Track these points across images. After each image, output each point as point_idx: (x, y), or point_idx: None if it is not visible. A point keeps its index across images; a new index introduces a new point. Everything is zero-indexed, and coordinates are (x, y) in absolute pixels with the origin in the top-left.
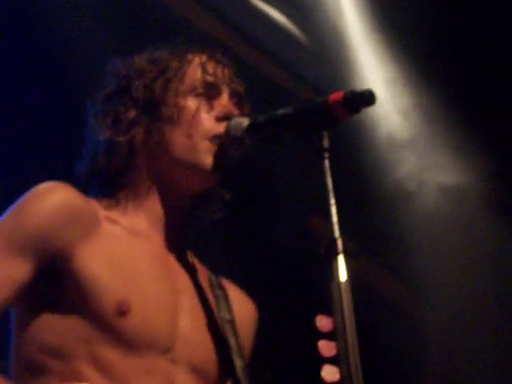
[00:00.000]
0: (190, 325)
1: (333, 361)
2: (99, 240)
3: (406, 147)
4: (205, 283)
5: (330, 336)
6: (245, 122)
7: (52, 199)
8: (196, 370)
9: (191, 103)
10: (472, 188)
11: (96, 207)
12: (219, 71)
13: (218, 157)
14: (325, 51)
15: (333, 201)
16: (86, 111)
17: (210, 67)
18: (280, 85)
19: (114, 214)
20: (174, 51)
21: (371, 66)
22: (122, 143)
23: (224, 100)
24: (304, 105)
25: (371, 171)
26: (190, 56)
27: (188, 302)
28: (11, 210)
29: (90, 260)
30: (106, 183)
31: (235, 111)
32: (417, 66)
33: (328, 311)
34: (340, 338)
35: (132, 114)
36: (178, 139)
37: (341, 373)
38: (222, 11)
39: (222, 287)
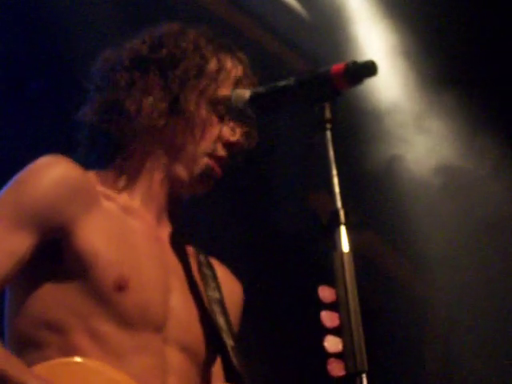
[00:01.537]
0: (180, 305)
1: (335, 331)
2: (98, 215)
3: (406, 119)
4: (194, 263)
5: (332, 307)
6: (247, 93)
7: (53, 173)
8: (186, 350)
9: (210, 116)
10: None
11: (93, 181)
12: (243, 80)
13: (210, 178)
14: (325, 24)
15: (335, 172)
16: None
17: (240, 79)
18: (280, 58)
19: (110, 191)
20: (210, 39)
21: (371, 37)
22: (142, 124)
23: (235, 125)
24: (306, 76)
25: (373, 145)
26: (228, 62)
27: (178, 282)
28: (11, 184)
29: (90, 234)
30: (105, 153)
31: (241, 142)
32: (417, 36)
33: (330, 282)
34: (342, 308)
35: (163, 105)
36: (187, 143)
37: (343, 343)
38: None
39: (210, 266)
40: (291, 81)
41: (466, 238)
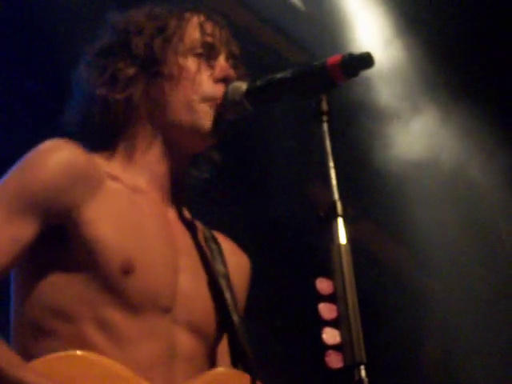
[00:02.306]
0: (188, 284)
1: (333, 323)
2: (104, 198)
3: (403, 110)
4: (201, 239)
5: (330, 299)
6: (243, 86)
7: (56, 157)
8: (195, 330)
9: (191, 63)
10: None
11: (99, 164)
12: (217, 32)
13: (215, 119)
14: (321, 15)
15: (332, 164)
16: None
17: (209, 28)
18: (276, 50)
19: (115, 170)
20: (171, 9)
21: (368, 29)
22: (119, 101)
23: (222, 61)
24: (302, 68)
25: (368, 136)
26: (188, 15)
27: (186, 260)
28: (15, 168)
29: (95, 219)
30: (103, 138)
31: (233, 73)
32: (415, 29)
33: (328, 274)
34: (340, 300)
35: (131, 71)
36: (177, 99)
37: (341, 335)
38: None
39: (215, 241)
40: (288, 73)
41: (465, 228)
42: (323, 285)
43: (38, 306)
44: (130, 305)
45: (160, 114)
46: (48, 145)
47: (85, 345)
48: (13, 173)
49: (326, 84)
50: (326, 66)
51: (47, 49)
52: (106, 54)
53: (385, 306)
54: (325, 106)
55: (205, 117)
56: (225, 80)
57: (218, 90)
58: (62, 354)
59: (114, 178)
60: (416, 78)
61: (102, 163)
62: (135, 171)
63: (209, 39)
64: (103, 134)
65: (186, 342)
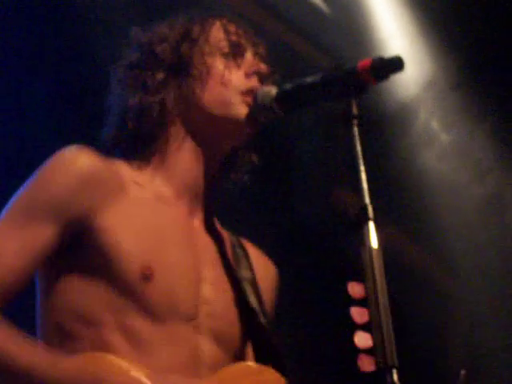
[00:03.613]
0: (212, 294)
1: (365, 327)
2: (124, 204)
3: (431, 115)
4: (227, 247)
5: (362, 303)
6: (273, 90)
7: (74, 164)
8: (220, 339)
9: (219, 62)
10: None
11: (123, 169)
12: (241, 32)
13: (251, 108)
14: (347, 20)
15: (362, 167)
16: (109, 81)
17: (232, 28)
18: (302, 54)
19: (142, 178)
20: (193, 17)
21: (393, 34)
22: (153, 104)
23: (250, 57)
24: (332, 72)
25: (397, 144)
26: (210, 19)
27: (210, 270)
28: (34, 176)
29: (113, 225)
30: (136, 147)
31: (263, 67)
32: (440, 33)
33: (359, 278)
34: (372, 304)
35: (160, 75)
36: (208, 96)
37: (373, 339)
38: None
39: (242, 247)
40: (317, 77)
41: (494, 234)
42: (355, 289)
43: (62, 310)
44: (150, 311)
45: (193, 113)
46: (64, 152)
47: (107, 349)
48: (31, 181)
49: (356, 88)
50: (356, 69)
51: (57, 50)
52: (134, 67)
53: (412, 311)
54: (355, 110)
55: (239, 106)
56: (255, 73)
57: (250, 81)
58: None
59: (140, 185)
60: (448, 89)
61: (127, 170)
62: (165, 179)
63: (234, 38)
64: (137, 142)
65: (210, 350)
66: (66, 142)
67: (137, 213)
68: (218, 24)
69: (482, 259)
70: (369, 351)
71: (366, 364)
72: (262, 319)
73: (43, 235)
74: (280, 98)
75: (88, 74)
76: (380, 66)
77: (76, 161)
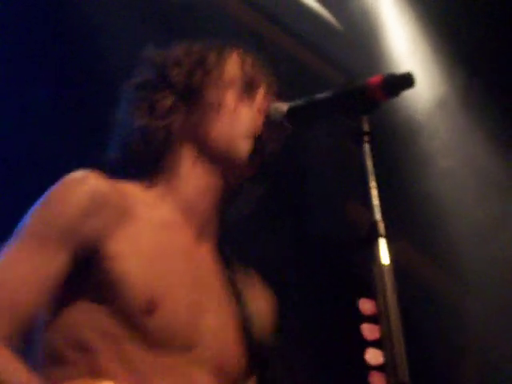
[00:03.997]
0: (214, 324)
1: (376, 344)
2: (133, 228)
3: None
4: (232, 275)
5: (373, 319)
6: (284, 106)
7: (81, 190)
8: (219, 371)
9: (230, 97)
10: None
11: (131, 191)
12: (257, 67)
13: (252, 152)
14: (359, 37)
15: (373, 184)
16: (116, 100)
17: (248, 63)
18: (314, 71)
19: (151, 200)
20: (210, 45)
21: (406, 51)
22: (159, 128)
23: (262, 94)
24: (343, 89)
25: (408, 159)
26: (227, 50)
27: (214, 299)
28: (41, 202)
29: (121, 253)
30: (143, 168)
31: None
32: (452, 49)
33: (370, 295)
34: (383, 321)
35: (169, 100)
36: (217, 131)
37: (385, 356)
38: None
39: (246, 277)
40: (328, 94)
41: (503, 246)
42: (366, 305)
43: (60, 334)
44: (149, 342)
45: (199, 143)
46: (73, 177)
47: (103, 376)
48: (38, 207)
49: (367, 104)
50: (367, 85)
51: (61, 55)
52: (145, 87)
53: (424, 325)
54: (366, 127)
55: (242, 151)
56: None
57: (258, 122)
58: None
59: (148, 208)
60: (459, 105)
61: (135, 191)
62: (173, 202)
63: (249, 73)
64: (143, 163)
65: (207, 382)
66: (70, 145)
67: (145, 238)
68: (234, 56)
69: (495, 273)
70: (380, 368)
71: (378, 381)
72: (265, 351)
73: (56, 263)
74: (291, 113)
75: (92, 77)
76: (391, 82)
77: (85, 185)
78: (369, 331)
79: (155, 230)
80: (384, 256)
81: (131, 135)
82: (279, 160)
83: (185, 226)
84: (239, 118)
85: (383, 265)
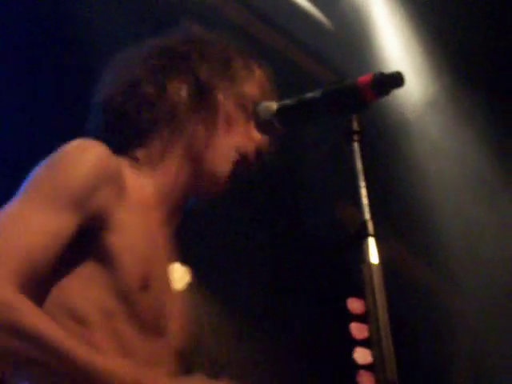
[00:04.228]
0: (174, 310)
1: (365, 343)
2: (128, 204)
3: (432, 128)
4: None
5: (361, 319)
6: (273, 105)
7: (91, 155)
8: (175, 360)
9: (238, 112)
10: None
11: (123, 166)
12: (269, 95)
13: (236, 170)
14: (350, 36)
15: (363, 183)
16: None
17: (265, 89)
18: (305, 70)
19: (138, 179)
20: (238, 48)
21: (396, 50)
22: (163, 103)
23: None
24: (332, 88)
25: (398, 155)
26: (253, 63)
27: (171, 287)
28: (47, 164)
29: (123, 225)
30: (131, 138)
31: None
32: (442, 49)
33: (359, 294)
34: (372, 320)
35: (184, 88)
36: (214, 139)
37: (373, 355)
38: None
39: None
40: (318, 93)
41: (494, 246)
42: (354, 305)
43: (57, 302)
44: (140, 321)
45: (190, 143)
46: (79, 143)
47: (95, 349)
48: (45, 171)
49: (356, 103)
50: (357, 85)
51: (59, 48)
52: (166, 56)
53: (415, 327)
54: (356, 126)
55: (229, 164)
56: (257, 142)
57: (250, 147)
58: None
59: (136, 186)
60: (451, 105)
61: (126, 167)
62: (153, 184)
63: (261, 99)
64: (133, 133)
65: (170, 364)
66: (68, 139)
67: (137, 214)
68: (257, 77)
69: (487, 274)
70: (368, 367)
71: (366, 380)
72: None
73: (66, 224)
74: (280, 113)
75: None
76: (381, 81)
77: (92, 152)
78: (357, 330)
79: (143, 207)
80: (373, 255)
81: (130, 98)
82: (270, 160)
83: (161, 208)
84: (235, 138)
85: (372, 264)
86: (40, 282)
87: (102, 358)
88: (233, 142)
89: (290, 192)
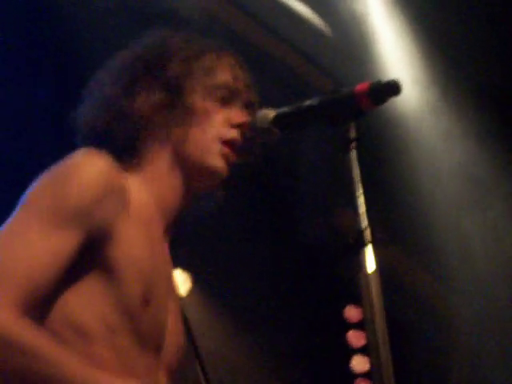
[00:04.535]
0: (173, 328)
1: (362, 351)
2: (131, 217)
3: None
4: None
5: (358, 327)
6: (271, 113)
7: (92, 169)
8: (169, 375)
9: (212, 102)
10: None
11: (126, 178)
12: (242, 78)
13: (228, 160)
14: (348, 43)
15: (360, 191)
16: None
17: (237, 73)
18: (303, 77)
19: (136, 187)
20: (209, 43)
21: (395, 58)
22: (136, 113)
23: (240, 108)
24: (330, 96)
25: (398, 162)
26: (223, 54)
27: (172, 302)
28: (48, 177)
29: (126, 239)
30: (113, 148)
31: (247, 122)
32: (443, 58)
33: (357, 302)
34: (369, 328)
35: (157, 92)
36: (193, 137)
37: (370, 363)
38: (244, 3)
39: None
40: (315, 101)
41: (493, 255)
42: (352, 313)
43: (58, 316)
44: (141, 336)
45: (178, 146)
46: (81, 156)
47: (98, 363)
48: (46, 185)
49: (354, 111)
50: (354, 93)
51: (58, 57)
52: (138, 65)
53: (412, 332)
54: (353, 134)
55: (217, 157)
56: (239, 126)
57: (232, 132)
58: None
59: (136, 195)
60: (450, 112)
61: (127, 178)
62: (149, 192)
63: (234, 85)
64: (121, 148)
65: (164, 382)
66: (67, 143)
67: (140, 227)
68: (226, 62)
69: (485, 280)
70: (366, 375)
71: None
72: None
73: (67, 243)
74: (278, 120)
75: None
76: (378, 89)
77: (93, 165)
78: (355, 338)
79: (144, 220)
80: (370, 263)
81: (110, 106)
82: (267, 166)
83: (159, 220)
84: (215, 125)
85: (369, 272)
86: (42, 300)
87: (102, 374)
88: (214, 132)
89: (288, 200)
